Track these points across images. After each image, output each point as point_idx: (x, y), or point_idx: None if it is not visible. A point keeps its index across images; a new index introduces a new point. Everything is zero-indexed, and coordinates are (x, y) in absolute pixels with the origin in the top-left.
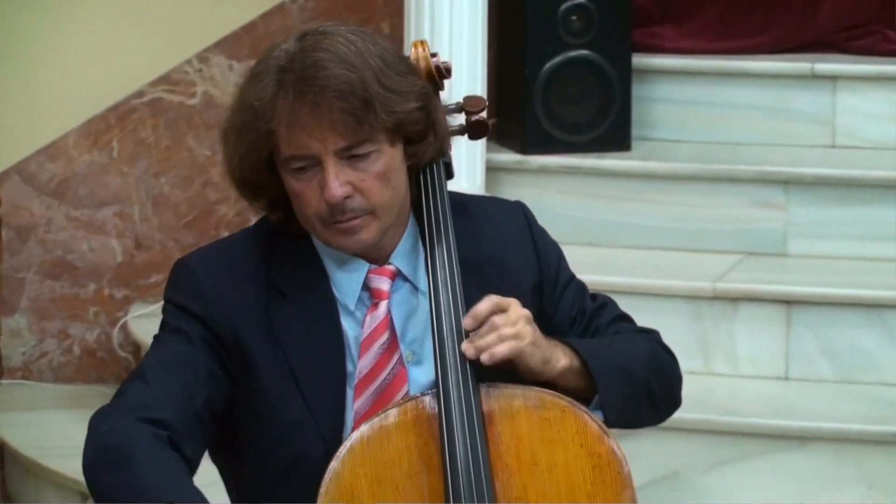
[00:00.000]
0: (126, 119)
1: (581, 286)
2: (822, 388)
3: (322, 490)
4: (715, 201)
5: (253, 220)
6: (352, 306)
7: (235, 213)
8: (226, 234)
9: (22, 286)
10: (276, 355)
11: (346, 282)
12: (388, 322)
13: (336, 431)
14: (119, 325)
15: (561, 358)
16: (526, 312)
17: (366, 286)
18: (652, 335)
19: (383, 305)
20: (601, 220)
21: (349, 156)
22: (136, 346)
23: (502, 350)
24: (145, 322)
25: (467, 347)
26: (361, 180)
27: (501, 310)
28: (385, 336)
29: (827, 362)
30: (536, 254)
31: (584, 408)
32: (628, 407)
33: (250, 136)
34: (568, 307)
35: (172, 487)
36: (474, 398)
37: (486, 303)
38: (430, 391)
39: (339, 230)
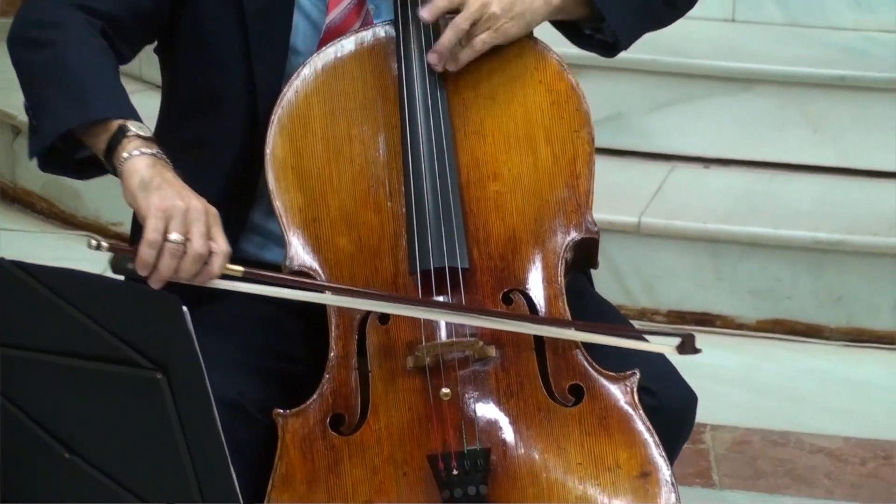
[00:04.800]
0: None
1: None
2: (770, 31)
3: (274, 118)
4: None
5: None
6: None
7: None
8: None
9: None
10: None
11: None
12: None
13: (270, 84)
14: None
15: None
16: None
17: None
18: None
19: None
20: None
21: None
22: None
23: (466, 57)
24: None
25: (434, 59)
26: None
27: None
28: None
29: (775, 4)
30: None
31: (544, 43)
32: (640, 18)
33: None
34: None
35: (93, 79)
36: (432, 31)
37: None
38: (388, 20)
39: None
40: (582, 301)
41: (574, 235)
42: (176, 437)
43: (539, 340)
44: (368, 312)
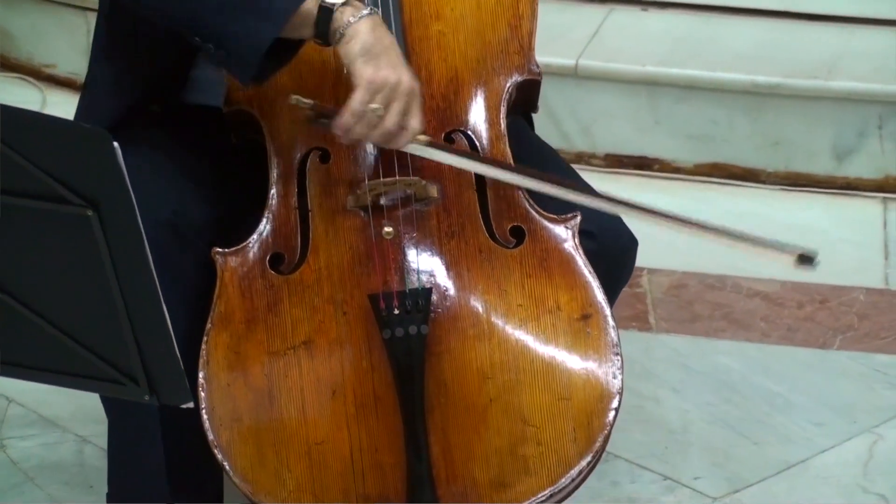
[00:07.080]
0: None
1: None
2: None
3: None
4: None
5: None
6: None
7: None
8: None
9: None
10: None
11: None
12: None
13: None
14: None
15: None
16: None
17: None
18: None
19: None
20: None
21: None
22: None
23: None
24: None
25: None
26: None
27: None
28: None
29: None
30: None
31: None
32: None
33: None
34: None
35: None
36: None
37: None
38: None
39: None
40: (522, 144)
41: (516, 77)
42: (107, 275)
43: (480, 181)
44: (309, 150)
